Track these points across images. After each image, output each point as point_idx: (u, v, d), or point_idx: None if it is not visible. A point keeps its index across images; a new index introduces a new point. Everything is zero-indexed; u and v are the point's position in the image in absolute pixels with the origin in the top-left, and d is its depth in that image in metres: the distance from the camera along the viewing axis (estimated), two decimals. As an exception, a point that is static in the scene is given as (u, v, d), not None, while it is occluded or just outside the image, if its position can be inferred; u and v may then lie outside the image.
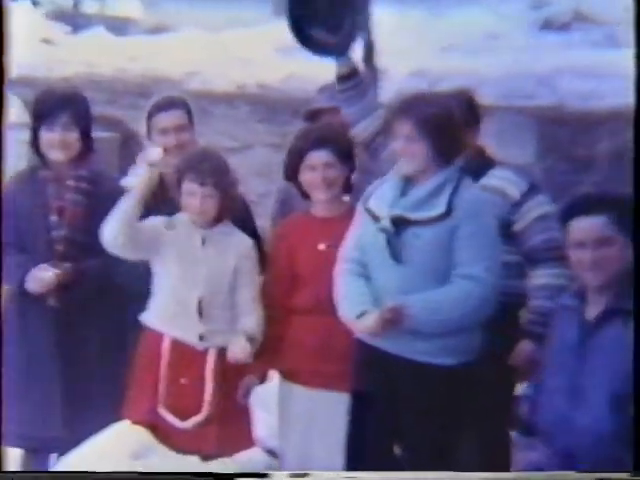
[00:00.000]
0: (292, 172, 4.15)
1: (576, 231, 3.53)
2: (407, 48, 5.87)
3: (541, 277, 4.01)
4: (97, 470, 3.83)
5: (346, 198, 4.13)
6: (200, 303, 4.01)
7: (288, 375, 4.11)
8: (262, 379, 4.16)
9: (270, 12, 6.75)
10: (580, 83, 5.62)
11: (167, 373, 3.98)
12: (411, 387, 3.71)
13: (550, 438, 3.53)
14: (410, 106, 3.73)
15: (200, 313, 4.00)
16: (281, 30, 6.47)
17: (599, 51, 5.90)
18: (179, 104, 4.39)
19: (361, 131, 4.25)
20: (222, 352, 3.99)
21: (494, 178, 4.09)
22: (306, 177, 4.09)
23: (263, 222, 4.50)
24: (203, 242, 4.05)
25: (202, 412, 3.98)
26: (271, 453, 4.32)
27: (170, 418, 3.97)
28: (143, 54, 6.56)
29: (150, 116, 4.37)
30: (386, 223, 3.73)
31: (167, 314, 4.00)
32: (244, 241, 4.10)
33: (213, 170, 4.00)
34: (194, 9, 6.77)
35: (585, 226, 3.51)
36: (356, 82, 4.29)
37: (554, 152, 5.50)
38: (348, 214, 4.05)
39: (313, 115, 4.73)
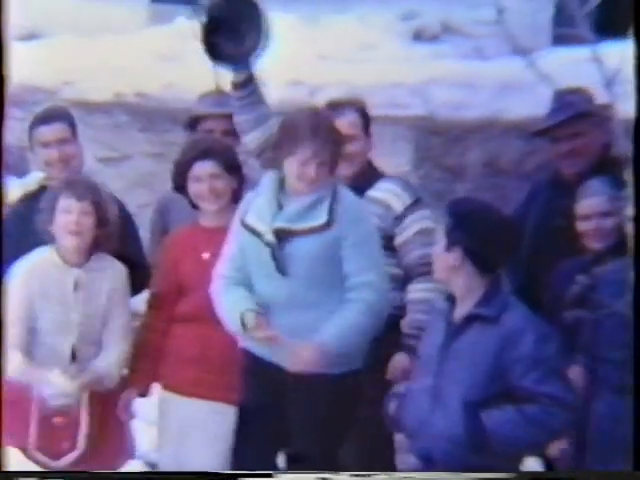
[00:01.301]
0: (179, 183, 4.19)
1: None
2: (283, 56, 5.93)
3: (418, 291, 4.11)
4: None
5: (235, 208, 4.19)
6: (73, 350, 3.99)
7: (169, 386, 4.14)
8: (144, 392, 4.17)
9: (145, 18, 6.73)
10: (450, 93, 5.78)
11: (38, 415, 3.94)
12: (297, 396, 3.78)
13: (412, 439, 3.66)
14: (313, 126, 3.81)
15: (73, 360, 3.98)
16: (158, 37, 6.50)
17: (467, 62, 6.08)
18: (61, 116, 4.37)
19: (253, 140, 4.30)
20: (96, 382, 3.96)
21: (379, 191, 4.19)
22: (193, 188, 4.13)
23: (143, 233, 4.51)
24: (75, 287, 4.01)
25: (77, 449, 3.96)
26: (151, 465, 4.34)
27: (42, 459, 3.93)
28: (15, 61, 6.46)
29: (31, 129, 4.34)
30: (269, 236, 3.78)
31: (39, 361, 3.94)
32: (116, 273, 4.07)
33: (89, 188, 3.99)
34: (67, 13, 6.69)
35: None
36: (251, 90, 4.35)
37: (428, 161, 5.64)
38: (230, 224, 4.10)
39: (193, 122, 4.77)
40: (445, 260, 3.65)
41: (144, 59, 6.19)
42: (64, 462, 3.95)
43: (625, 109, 3.17)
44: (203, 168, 4.14)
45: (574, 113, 4.24)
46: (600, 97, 3.82)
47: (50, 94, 5.89)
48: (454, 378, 3.59)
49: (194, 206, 4.22)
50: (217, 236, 4.09)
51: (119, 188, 4.71)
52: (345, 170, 4.10)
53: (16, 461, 3.84)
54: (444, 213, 3.69)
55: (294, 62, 5.92)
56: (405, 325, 4.11)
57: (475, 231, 3.62)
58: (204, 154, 4.15)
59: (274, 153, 3.90)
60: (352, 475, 3.67)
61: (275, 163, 3.88)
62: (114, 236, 4.09)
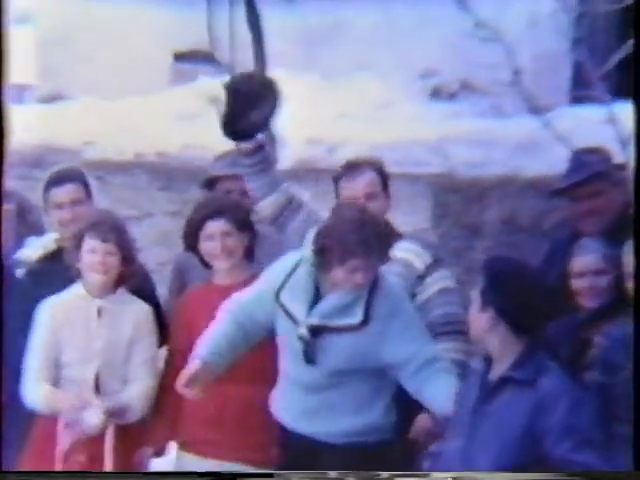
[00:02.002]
0: (191, 242, 4.20)
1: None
2: (302, 115, 5.99)
3: (440, 351, 4.08)
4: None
5: (248, 266, 4.20)
6: (97, 378, 4.00)
7: (185, 445, 4.13)
8: (160, 451, 4.16)
9: (168, 78, 6.82)
10: (468, 151, 5.81)
11: (64, 453, 3.94)
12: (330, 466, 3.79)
13: None
14: (361, 236, 3.75)
15: (97, 389, 4.00)
16: (180, 97, 6.58)
17: (485, 120, 6.11)
18: (74, 177, 4.41)
19: (266, 207, 4.30)
20: (120, 426, 3.98)
21: (400, 250, 4.18)
22: (205, 246, 4.15)
23: (162, 291, 4.53)
24: (99, 313, 4.05)
25: None
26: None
27: None
28: (38, 123, 6.55)
29: (45, 190, 4.38)
30: (304, 331, 3.79)
31: (63, 395, 3.97)
32: (141, 309, 4.12)
33: (113, 228, 4.04)
34: (90, 76, 6.79)
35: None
36: (261, 158, 4.36)
37: (447, 218, 5.66)
38: (250, 281, 4.11)
39: (211, 183, 4.80)
40: (479, 320, 3.60)
41: (165, 119, 6.26)
42: None
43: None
44: (215, 226, 4.15)
45: (592, 173, 4.25)
46: (617, 156, 3.84)
47: (72, 155, 5.96)
48: (485, 442, 3.52)
49: (206, 265, 4.23)
50: (230, 294, 4.10)
51: (139, 247, 4.73)
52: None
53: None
54: (479, 272, 3.66)
55: (312, 121, 5.98)
56: None
57: (509, 291, 3.57)
58: (215, 213, 4.18)
59: (322, 256, 3.80)
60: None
61: (323, 267, 3.80)
62: (138, 274, 4.14)
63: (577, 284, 3.98)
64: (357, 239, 3.75)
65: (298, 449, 3.86)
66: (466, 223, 5.71)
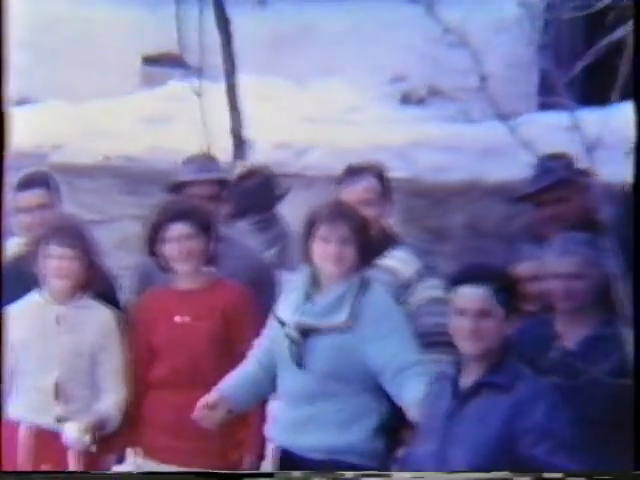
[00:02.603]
0: (151, 245, 4.17)
1: (458, 299, 3.65)
2: (271, 119, 5.99)
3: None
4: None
5: (208, 270, 4.18)
6: (57, 386, 3.98)
7: (146, 452, 4.11)
8: (121, 458, 4.15)
9: (138, 82, 6.80)
10: (435, 156, 5.84)
11: (26, 461, 3.93)
12: None
13: None
14: (342, 211, 3.83)
15: (57, 396, 3.97)
16: (148, 100, 6.57)
17: (453, 125, 6.14)
18: (40, 181, 4.37)
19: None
20: (100, 425, 3.96)
21: (390, 259, 4.15)
22: (166, 249, 4.12)
23: (127, 296, 4.51)
24: (57, 321, 4.01)
25: None
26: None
27: None
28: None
29: (13, 194, 4.35)
30: (291, 330, 3.80)
31: (24, 401, 3.95)
32: (104, 315, 4.07)
33: (76, 233, 4.01)
34: (58, 78, 6.76)
35: (467, 295, 3.59)
36: (269, 218, 4.44)
37: (412, 223, 5.67)
38: (210, 286, 4.10)
39: (177, 188, 4.76)
40: (460, 325, 3.61)
41: (132, 122, 6.25)
42: None
43: (605, 174, 3.20)
44: (176, 229, 4.13)
45: (556, 179, 4.27)
46: (581, 163, 3.86)
47: (39, 158, 5.93)
48: (460, 445, 3.53)
49: (164, 269, 4.20)
50: (191, 298, 4.07)
51: (104, 251, 4.71)
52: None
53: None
54: (450, 281, 3.67)
55: (281, 124, 5.98)
56: None
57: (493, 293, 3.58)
58: (177, 215, 4.15)
59: (303, 247, 3.87)
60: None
61: (306, 257, 3.86)
62: (102, 279, 4.11)
63: (550, 285, 3.98)
64: (325, 212, 3.80)
65: (283, 463, 3.86)
66: (431, 227, 5.73)
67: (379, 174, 4.20)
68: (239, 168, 4.97)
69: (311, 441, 3.79)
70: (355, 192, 4.10)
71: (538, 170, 4.31)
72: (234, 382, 3.92)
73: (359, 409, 3.82)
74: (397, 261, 4.09)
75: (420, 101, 6.53)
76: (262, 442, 4.10)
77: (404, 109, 6.38)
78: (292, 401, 3.84)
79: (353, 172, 4.19)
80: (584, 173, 3.83)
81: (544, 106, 4.97)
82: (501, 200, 5.54)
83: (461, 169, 5.74)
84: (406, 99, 6.57)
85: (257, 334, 4.06)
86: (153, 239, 4.15)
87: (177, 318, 4.06)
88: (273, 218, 4.64)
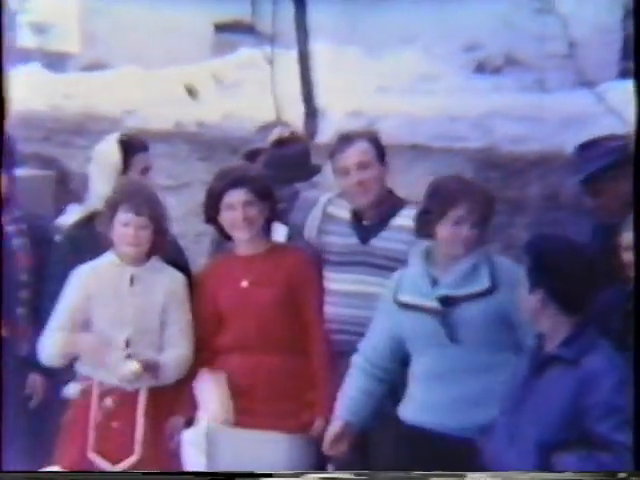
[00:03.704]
0: (212, 213, 4.17)
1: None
2: (344, 88, 5.95)
3: None
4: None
5: (269, 236, 4.17)
6: (127, 344, 4.01)
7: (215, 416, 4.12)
8: (190, 421, 4.16)
9: (209, 49, 6.80)
10: (511, 126, 5.75)
11: (97, 417, 3.94)
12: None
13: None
14: (463, 189, 3.72)
15: (128, 354, 4.00)
16: (220, 67, 6.57)
17: (529, 95, 6.03)
18: (142, 145, 4.45)
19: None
20: (153, 392, 3.99)
21: (404, 218, 4.11)
22: (226, 216, 4.12)
23: (202, 261, 4.52)
24: (132, 281, 4.04)
25: (134, 454, 3.96)
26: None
27: (101, 463, 3.92)
28: (80, 91, 6.55)
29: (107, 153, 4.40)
30: (434, 304, 3.71)
31: (92, 359, 3.98)
32: (174, 277, 4.09)
33: (147, 201, 4.02)
34: (132, 45, 6.78)
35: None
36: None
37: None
38: (273, 252, 4.09)
39: (252, 155, 4.77)
40: (529, 302, 3.59)
41: (205, 89, 6.25)
42: (122, 467, 3.97)
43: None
44: (236, 196, 4.12)
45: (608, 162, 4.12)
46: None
47: (113, 123, 5.95)
48: (531, 417, 3.51)
49: (226, 236, 4.20)
50: (254, 264, 4.03)
51: (178, 216, 4.73)
52: (361, 199, 4.09)
53: (76, 465, 3.88)
54: (523, 253, 3.62)
55: (354, 93, 5.93)
56: None
57: (556, 271, 3.53)
58: (236, 182, 4.14)
59: (423, 220, 3.79)
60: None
61: (425, 230, 3.78)
62: (170, 244, 4.13)
63: (627, 257, 3.90)
64: (457, 192, 3.69)
65: (421, 445, 3.70)
66: (507, 199, 5.64)
67: (373, 139, 4.17)
68: (274, 134, 4.89)
69: (461, 420, 3.66)
70: (350, 157, 4.06)
71: (582, 154, 4.22)
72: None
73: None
74: (409, 219, 4.07)
75: (496, 70, 6.42)
76: (332, 403, 4.11)
77: (479, 78, 6.28)
78: (438, 380, 3.72)
79: (344, 139, 4.18)
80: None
81: (627, 73, 4.82)
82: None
83: (539, 140, 5.64)
84: (481, 68, 6.47)
85: (321, 300, 4.05)
86: (213, 206, 4.15)
87: (243, 283, 4.07)
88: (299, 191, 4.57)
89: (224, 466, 4.06)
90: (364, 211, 4.08)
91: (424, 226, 3.82)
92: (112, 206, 4.02)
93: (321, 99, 5.93)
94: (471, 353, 3.70)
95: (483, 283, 3.73)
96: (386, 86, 6.02)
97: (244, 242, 4.13)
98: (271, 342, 4.03)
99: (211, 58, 6.72)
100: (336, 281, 4.15)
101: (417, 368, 3.79)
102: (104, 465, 3.94)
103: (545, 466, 3.44)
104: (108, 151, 4.34)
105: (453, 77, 6.19)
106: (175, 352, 4.04)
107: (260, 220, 4.11)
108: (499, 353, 3.67)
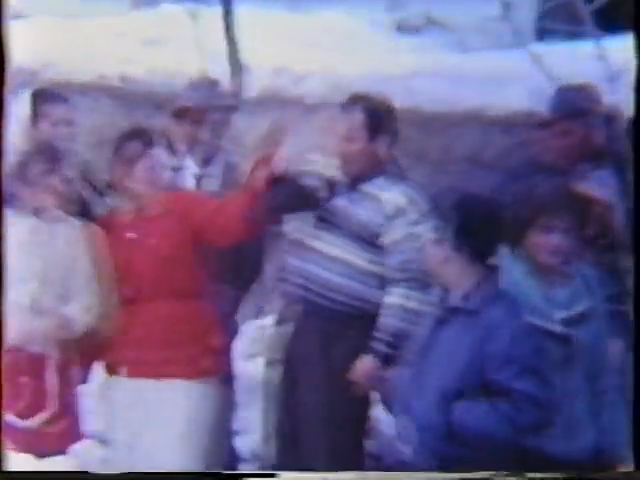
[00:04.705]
0: (112, 166, 4.16)
1: None
2: (269, 44, 5.92)
3: (395, 296, 4.04)
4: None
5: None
6: (32, 301, 3.98)
7: (115, 367, 4.13)
8: (86, 375, 4.17)
9: (129, 2, 6.68)
10: (435, 86, 5.78)
11: (6, 374, 3.90)
12: None
13: (396, 423, 3.67)
14: (560, 200, 3.68)
15: (33, 309, 3.97)
16: (142, 21, 6.44)
17: (451, 55, 6.07)
18: (60, 97, 4.39)
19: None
20: (61, 346, 3.97)
21: (376, 187, 4.13)
22: (123, 171, 4.12)
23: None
24: (31, 233, 4.03)
25: (45, 410, 3.95)
26: (105, 443, 4.34)
27: (11, 419, 3.91)
28: (-4, 41, 6.35)
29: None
30: (558, 327, 3.67)
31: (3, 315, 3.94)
32: (74, 228, 4.09)
33: (54, 154, 4.02)
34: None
35: None
36: None
37: (411, 153, 5.63)
38: (162, 199, 4.13)
39: (182, 112, 4.72)
40: (435, 252, 3.64)
41: (126, 43, 6.14)
42: (36, 421, 3.95)
43: (627, 106, 3.19)
44: (135, 150, 4.14)
45: (577, 109, 4.22)
46: (604, 94, 3.82)
47: (31, 75, 5.81)
48: (435, 368, 3.59)
49: (102, 194, 4.24)
50: (143, 214, 4.11)
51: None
52: (348, 168, 4.13)
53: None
54: (429, 206, 3.68)
55: (280, 50, 5.90)
56: (377, 328, 4.05)
57: (461, 222, 3.60)
58: (137, 136, 4.18)
59: (510, 227, 3.71)
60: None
61: (512, 237, 3.71)
62: (75, 197, 4.13)
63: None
64: (548, 196, 3.64)
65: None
66: (430, 158, 5.69)
67: (370, 107, 4.15)
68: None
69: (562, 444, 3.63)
70: (340, 127, 4.12)
71: (558, 99, 4.29)
72: None
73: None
74: (383, 191, 4.08)
75: (417, 30, 6.45)
76: (230, 347, 4.17)
77: (401, 38, 6.30)
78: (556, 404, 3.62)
79: (346, 105, 4.19)
80: (605, 105, 3.82)
81: (568, 35, 4.88)
82: (503, 131, 5.52)
83: (462, 99, 5.68)
84: (403, 28, 6.49)
85: (229, 239, 4.07)
86: (114, 161, 4.16)
87: (131, 234, 4.10)
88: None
89: (122, 417, 4.06)
90: (359, 176, 4.08)
91: (509, 234, 3.69)
92: (22, 160, 3.99)
93: (246, 56, 5.88)
94: (590, 377, 3.60)
95: (593, 300, 3.64)
96: (311, 44, 6.00)
97: (139, 197, 4.15)
98: (166, 289, 4.08)
99: (130, 12, 6.60)
100: (290, 232, 4.17)
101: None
102: (14, 421, 3.92)
103: (446, 415, 3.51)
104: (21, 103, 4.29)
105: (376, 36, 6.19)
106: (81, 304, 4.02)
107: (160, 176, 4.14)
108: (612, 375, 3.55)
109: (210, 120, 4.61)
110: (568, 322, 3.63)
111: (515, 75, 5.40)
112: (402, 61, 5.90)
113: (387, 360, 3.99)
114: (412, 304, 4.01)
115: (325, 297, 4.07)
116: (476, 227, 3.59)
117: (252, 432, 5.07)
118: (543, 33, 4.90)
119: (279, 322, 4.28)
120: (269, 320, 5.64)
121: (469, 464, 3.47)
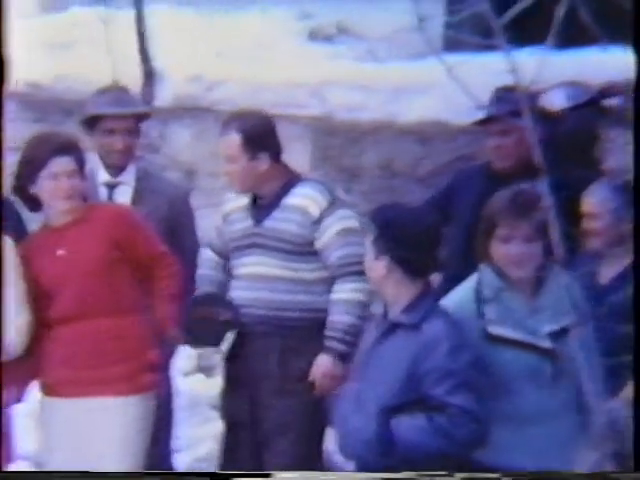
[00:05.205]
0: (25, 182, 4.03)
1: None
2: (182, 51, 5.88)
3: (339, 292, 4.11)
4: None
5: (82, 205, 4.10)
6: None
7: (48, 388, 4.06)
8: (21, 396, 4.09)
9: (36, 6, 6.56)
10: (347, 95, 5.81)
11: None
12: None
13: (338, 439, 3.70)
14: (523, 204, 3.58)
15: None
16: (50, 26, 6.34)
17: (362, 64, 6.11)
18: None
19: None
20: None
21: (296, 196, 4.17)
22: (46, 186, 3.99)
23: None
24: None
25: None
26: (40, 465, 4.27)
27: None
28: None
29: None
30: (544, 343, 3.58)
31: None
32: (6, 244, 3.99)
33: None
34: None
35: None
36: None
37: (326, 161, 5.66)
38: (87, 214, 4.04)
39: (91, 121, 4.66)
40: (375, 268, 3.66)
41: (34, 48, 6.03)
42: None
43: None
44: (61, 165, 4.01)
45: (509, 110, 4.23)
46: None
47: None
48: (375, 383, 3.61)
49: (32, 207, 4.10)
50: (68, 231, 4.02)
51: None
52: (237, 188, 4.18)
53: None
54: (368, 221, 3.69)
55: (192, 58, 5.86)
56: (328, 326, 4.11)
57: (400, 238, 3.62)
58: (62, 150, 4.04)
59: (477, 242, 3.63)
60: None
61: (480, 254, 3.63)
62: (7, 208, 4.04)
63: None
64: (505, 205, 3.52)
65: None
66: (345, 167, 5.72)
67: (246, 126, 4.16)
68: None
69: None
70: (221, 149, 4.18)
71: (493, 100, 4.35)
72: None
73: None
74: (304, 199, 4.12)
75: (329, 38, 6.47)
76: (168, 363, 4.14)
77: (314, 46, 6.31)
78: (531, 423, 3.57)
79: (225, 124, 4.22)
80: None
81: (479, 48, 4.95)
82: (414, 141, 5.58)
83: (373, 108, 5.72)
84: (314, 36, 6.50)
85: (152, 250, 4.04)
86: (28, 175, 4.03)
87: (59, 252, 4.01)
88: None
89: (57, 438, 4.00)
90: (253, 193, 4.14)
91: (478, 250, 3.61)
92: None
93: (159, 62, 5.84)
94: (574, 396, 3.47)
95: (568, 316, 3.47)
96: (225, 51, 5.98)
97: (60, 213, 4.06)
98: (96, 307, 4.00)
99: (40, 16, 6.49)
100: (237, 266, 4.18)
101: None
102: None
103: (383, 430, 3.53)
104: None
105: (288, 44, 6.19)
106: (14, 324, 3.95)
107: (80, 190, 4.05)
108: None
109: (121, 128, 4.55)
110: (555, 336, 3.55)
111: (427, 85, 5.46)
112: (314, 69, 5.91)
113: (343, 357, 4.05)
114: (356, 296, 4.08)
115: (278, 318, 4.13)
116: (414, 241, 3.60)
117: (191, 448, 5.07)
118: (454, 44, 4.95)
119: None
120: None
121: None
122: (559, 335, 3.55)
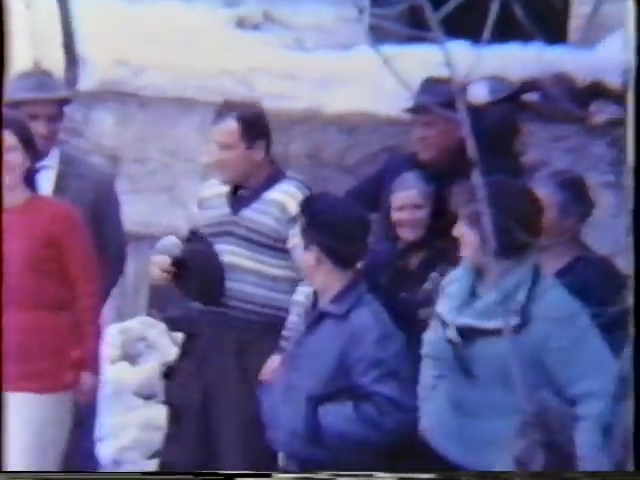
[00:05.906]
0: None
1: None
2: (107, 35, 5.79)
3: (300, 294, 4.07)
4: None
5: (31, 187, 4.03)
6: None
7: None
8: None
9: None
10: (274, 83, 5.78)
11: None
12: None
13: (270, 431, 3.69)
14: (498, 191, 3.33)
15: None
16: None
17: (290, 52, 6.09)
18: None
19: None
20: None
21: (278, 192, 4.16)
22: None
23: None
24: None
25: None
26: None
27: None
28: None
29: None
30: (453, 333, 3.42)
31: None
32: None
33: None
34: None
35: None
36: None
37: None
38: (29, 203, 3.96)
39: (12, 106, 4.55)
40: (304, 259, 3.67)
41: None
42: None
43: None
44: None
45: (436, 101, 4.23)
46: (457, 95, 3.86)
47: None
48: (304, 373, 3.61)
49: None
50: (7, 216, 3.92)
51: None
52: (225, 176, 4.14)
53: None
54: (298, 212, 3.69)
55: (118, 42, 5.78)
56: (285, 326, 4.08)
57: (329, 228, 3.63)
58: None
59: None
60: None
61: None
62: None
63: (396, 216, 4.08)
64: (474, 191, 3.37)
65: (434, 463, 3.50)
66: (275, 155, 5.68)
67: (244, 114, 4.18)
68: None
69: (473, 456, 3.40)
70: (215, 136, 4.14)
71: (422, 90, 4.35)
72: None
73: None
74: (283, 195, 4.11)
75: (256, 26, 6.44)
76: (99, 361, 4.08)
77: (241, 33, 6.27)
78: (456, 410, 3.46)
79: (220, 112, 4.21)
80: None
81: (414, 40, 4.95)
82: (341, 131, 5.58)
83: (300, 98, 5.70)
84: (241, 23, 6.46)
85: (87, 256, 3.98)
86: None
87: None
88: None
89: None
90: (240, 183, 4.10)
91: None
92: None
93: (83, 46, 5.75)
94: (487, 393, 3.34)
95: (509, 318, 3.20)
96: (151, 37, 5.90)
97: (6, 190, 3.97)
98: (24, 299, 3.92)
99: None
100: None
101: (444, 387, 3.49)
102: None
103: (311, 419, 3.54)
104: None
105: (215, 31, 6.14)
106: None
107: (22, 168, 3.97)
108: (514, 396, 2.97)
109: (44, 113, 4.46)
110: (463, 331, 3.38)
111: (354, 75, 5.46)
112: (241, 57, 5.88)
113: None
114: (312, 298, 4.03)
115: (238, 308, 4.10)
116: (343, 231, 3.61)
117: (114, 437, 5.00)
118: (387, 35, 4.95)
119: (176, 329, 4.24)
120: (131, 323, 5.58)
121: (335, 468, 3.46)
122: (472, 332, 3.39)
